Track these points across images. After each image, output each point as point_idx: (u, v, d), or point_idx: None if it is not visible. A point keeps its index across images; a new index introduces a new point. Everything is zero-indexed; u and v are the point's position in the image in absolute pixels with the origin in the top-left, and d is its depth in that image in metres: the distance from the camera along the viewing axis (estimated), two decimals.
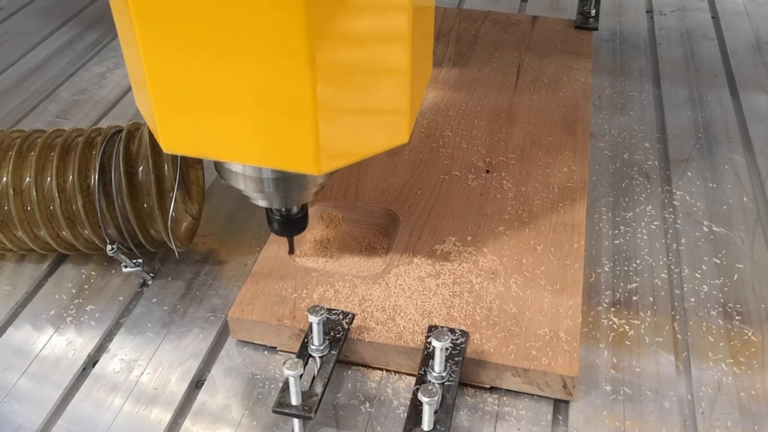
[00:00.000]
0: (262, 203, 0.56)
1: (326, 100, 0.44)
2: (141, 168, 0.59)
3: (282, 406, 0.51)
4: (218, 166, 0.54)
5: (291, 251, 0.63)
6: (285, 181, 0.53)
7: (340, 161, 0.48)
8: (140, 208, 0.59)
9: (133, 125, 0.61)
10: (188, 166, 0.62)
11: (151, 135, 0.58)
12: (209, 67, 0.44)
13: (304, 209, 0.58)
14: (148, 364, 0.59)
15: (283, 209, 0.57)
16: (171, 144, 0.48)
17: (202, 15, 0.42)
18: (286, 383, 0.51)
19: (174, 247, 0.60)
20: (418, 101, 0.52)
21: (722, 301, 0.63)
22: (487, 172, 0.72)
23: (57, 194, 0.59)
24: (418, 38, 0.49)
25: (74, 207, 0.59)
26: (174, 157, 0.58)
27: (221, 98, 0.45)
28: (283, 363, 0.50)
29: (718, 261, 0.67)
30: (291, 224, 0.58)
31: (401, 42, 0.46)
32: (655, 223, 0.72)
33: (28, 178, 0.60)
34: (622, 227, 0.71)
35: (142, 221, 0.60)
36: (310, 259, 0.64)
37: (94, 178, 0.58)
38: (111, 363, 0.59)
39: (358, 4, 0.43)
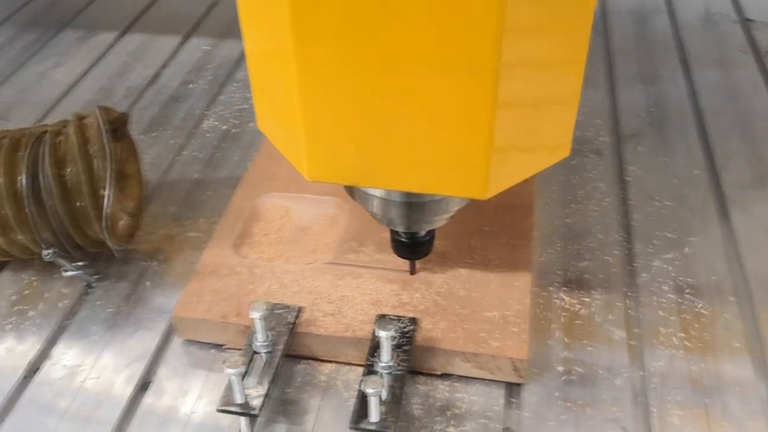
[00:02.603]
0: (394, 227, 0.54)
1: (502, 119, 0.42)
2: (70, 169, 0.57)
3: (227, 405, 0.50)
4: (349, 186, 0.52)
5: (413, 272, 0.59)
6: (425, 206, 0.51)
7: (505, 183, 0.46)
8: (74, 210, 0.57)
9: (59, 123, 0.59)
10: (123, 161, 0.60)
11: (79, 133, 0.57)
12: (374, 88, 0.41)
13: (431, 233, 0.56)
14: (92, 369, 0.57)
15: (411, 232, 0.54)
16: (317, 172, 0.46)
17: (373, 32, 0.39)
18: (230, 382, 0.50)
19: (113, 247, 0.59)
20: None
21: (673, 275, 0.63)
22: None
23: None
24: None
25: (3, 212, 0.57)
26: (105, 154, 0.56)
27: (382, 121, 0.43)
28: (224, 362, 0.49)
29: (670, 235, 0.67)
30: (417, 247, 0.56)
31: (577, 57, 0.44)
32: (606, 199, 0.71)
33: None
34: (573, 205, 0.70)
35: (77, 223, 0.58)
36: (256, 254, 0.63)
37: (21, 181, 0.56)
38: (53, 370, 0.57)
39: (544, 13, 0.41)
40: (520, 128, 0.44)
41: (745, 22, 1.02)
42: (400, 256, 0.57)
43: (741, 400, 0.53)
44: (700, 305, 0.60)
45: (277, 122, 0.49)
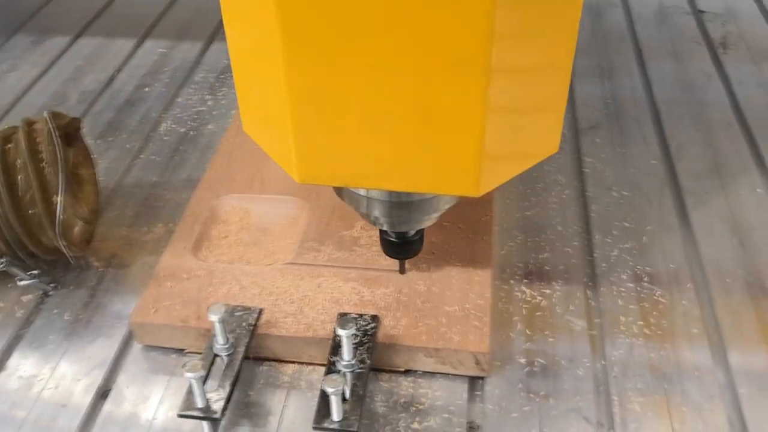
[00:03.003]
0: (383, 226, 0.54)
1: (493, 119, 0.42)
2: (21, 176, 0.56)
3: (188, 410, 0.50)
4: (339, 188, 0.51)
5: (402, 271, 0.59)
6: (415, 205, 0.51)
7: (497, 180, 0.46)
8: (26, 217, 0.56)
9: (9, 130, 0.58)
10: (76, 166, 0.59)
11: (28, 139, 0.56)
12: (365, 88, 0.41)
13: (420, 232, 0.55)
14: (49, 379, 0.56)
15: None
16: (308, 174, 0.46)
17: (364, 33, 0.39)
18: (191, 386, 0.49)
19: (68, 254, 0.57)
20: None
21: (632, 264, 0.64)
22: None
23: None
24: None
25: None
26: (56, 160, 0.55)
27: (373, 121, 0.42)
28: (183, 366, 0.48)
29: (628, 225, 0.68)
30: (407, 246, 0.55)
31: (567, 42, 0.44)
32: (566, 192, 0.72)
33: None
34: (532, 198, 0.71)
35: (30, 231, 0.57)
36: (215, 256, 0.62)
37: None
38: (9, 381, 0.56)
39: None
40: (511, 126, 0.45)
41: (698, 14, 1.04)
42: (389, 256, 0.57)
43: (700, 385, 0.54)
44: (659, 293, 0.61)
45: (265, 125, 0.48)
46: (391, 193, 0.50)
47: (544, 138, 0.49)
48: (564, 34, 0.44)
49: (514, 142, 0.46)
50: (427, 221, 0.53)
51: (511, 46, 0.40)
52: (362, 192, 0.51)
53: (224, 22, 0.47)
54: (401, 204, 0.51)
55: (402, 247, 0.55)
